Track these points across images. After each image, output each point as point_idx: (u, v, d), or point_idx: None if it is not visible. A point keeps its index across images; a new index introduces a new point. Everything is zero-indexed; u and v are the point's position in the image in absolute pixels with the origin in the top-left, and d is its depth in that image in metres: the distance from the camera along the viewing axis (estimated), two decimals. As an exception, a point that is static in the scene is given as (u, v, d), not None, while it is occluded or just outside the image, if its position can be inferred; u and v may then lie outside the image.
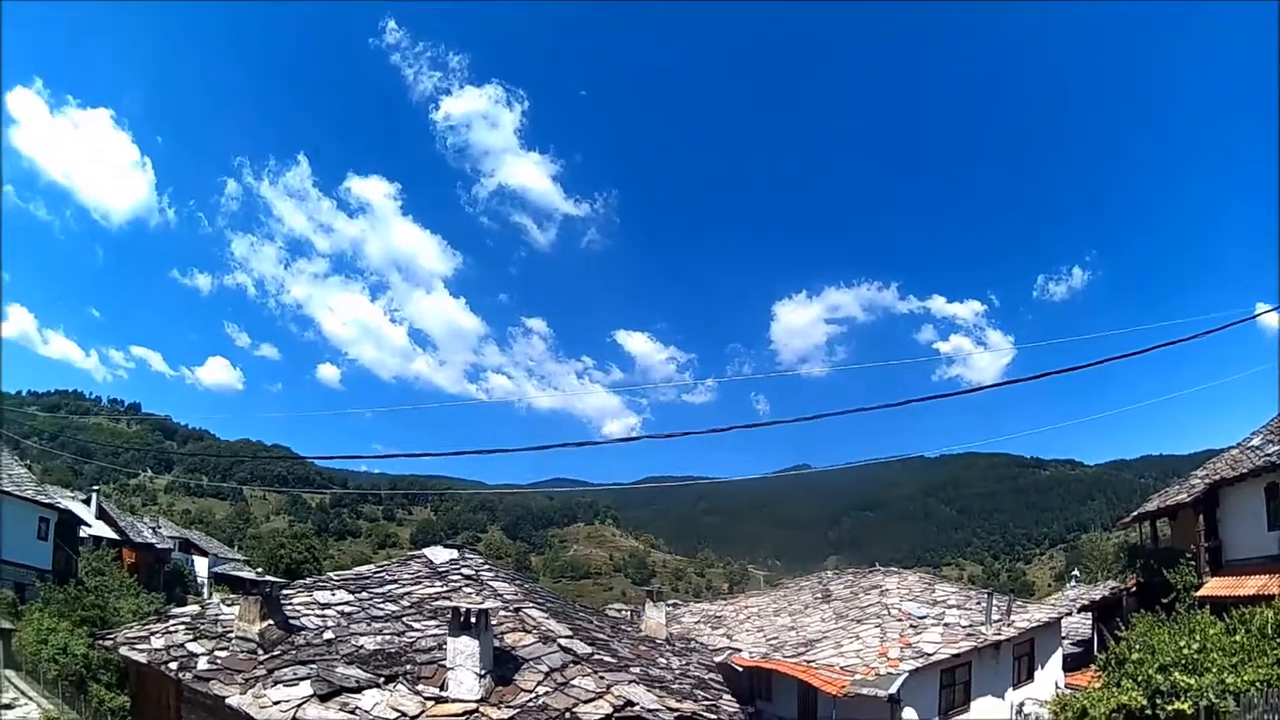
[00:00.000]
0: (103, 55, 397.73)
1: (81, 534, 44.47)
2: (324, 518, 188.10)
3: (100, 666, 23.86)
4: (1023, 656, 24.67)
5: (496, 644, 12.30)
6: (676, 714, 12.09)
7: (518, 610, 14.57)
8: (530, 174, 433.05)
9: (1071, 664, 27.99)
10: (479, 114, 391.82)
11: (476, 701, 11.23)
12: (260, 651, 12.43)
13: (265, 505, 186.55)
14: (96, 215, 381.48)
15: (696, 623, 30.16)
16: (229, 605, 14.62)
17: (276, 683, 11.55)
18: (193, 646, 12.78)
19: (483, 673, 11.47)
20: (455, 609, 11.53)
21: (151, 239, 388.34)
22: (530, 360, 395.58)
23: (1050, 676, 25.43)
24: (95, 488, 60.03)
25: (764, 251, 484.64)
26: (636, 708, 11.71)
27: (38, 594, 31.47)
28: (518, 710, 11.20)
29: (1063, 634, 28.08)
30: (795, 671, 21.92)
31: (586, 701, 11.67)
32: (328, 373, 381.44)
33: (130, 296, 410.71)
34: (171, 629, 13.47)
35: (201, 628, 13.48)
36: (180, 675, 12.08)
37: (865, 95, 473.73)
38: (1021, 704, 23.46)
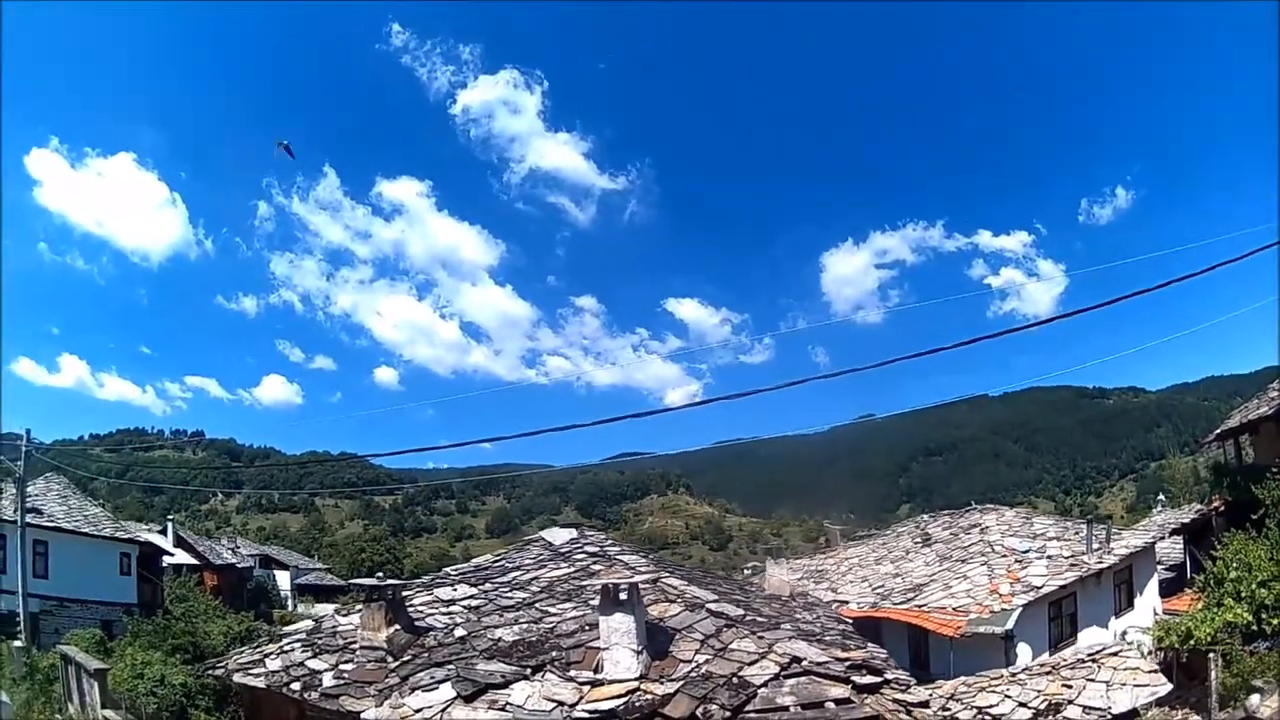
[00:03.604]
0: (115, 101, 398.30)
1: (163, 563, 44.65)
2: (398, 518, 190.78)
3: (198, 693, 23.41)
4: (1122, 584, 24.56)
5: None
6: (847, 663, 11.00)
7: (656, 581, 13.38)
8: (561, 154, 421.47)
9: (1166, 589, 27.47)
10: (499, 101, 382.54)
11: (636, 679, 10.14)
12: (390, 659, 11.35)
13: (338, 513, 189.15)
14: (135, 258, 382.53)
15: (799, 579, 29.40)
16: (344, 615, 13.62)
17: (414, 689, 10.48)
18: (314, 664, 11.73)
19: (639, 648, 10.37)
20: (605, 586, 10.46)
21: (193, 271, 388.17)
22: (584, 339, 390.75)
23: (1149, 603, 25.25)
24: (169, 517, 60.52)
25: (806, 203, 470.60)
26: (805, 662, 10.61)
27: (125, 629, 31.27)
28: (682, 681, 10.10)
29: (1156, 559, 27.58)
30: (908, 617, 21.71)
31: (751, 663, 10.55)
32: (385, 375, 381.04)
33: (179, 329, 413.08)
34: (287, 648, 12.44)
35: (320, 642, 12.43)
36: (305, 695, 11.05)
37: (890, 29, 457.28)
38: (1125, 632, 22.84)
